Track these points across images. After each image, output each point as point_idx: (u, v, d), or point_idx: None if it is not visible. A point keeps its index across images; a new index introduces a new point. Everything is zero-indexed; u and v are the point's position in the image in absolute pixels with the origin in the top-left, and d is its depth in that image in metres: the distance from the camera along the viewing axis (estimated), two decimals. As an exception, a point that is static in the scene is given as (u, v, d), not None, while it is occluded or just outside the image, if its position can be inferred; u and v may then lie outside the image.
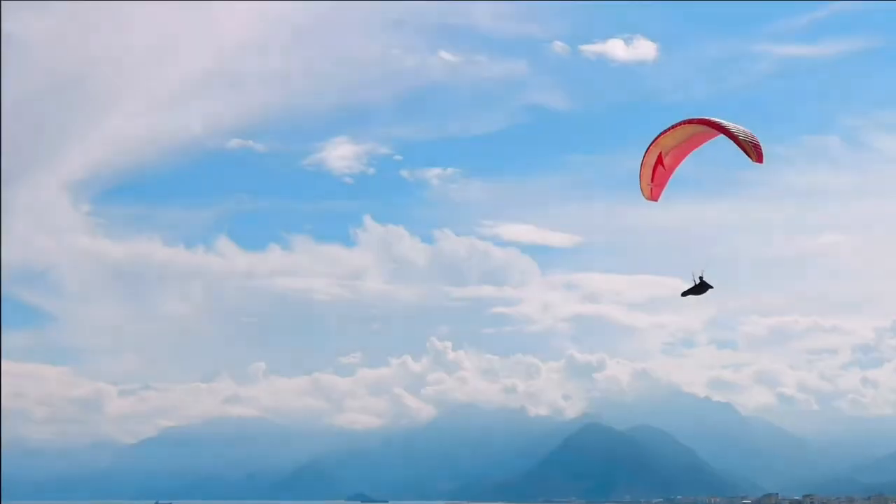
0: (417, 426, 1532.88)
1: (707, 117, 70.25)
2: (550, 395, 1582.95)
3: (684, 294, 76.98)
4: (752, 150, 67.88)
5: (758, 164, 68.33)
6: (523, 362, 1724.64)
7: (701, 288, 76.48)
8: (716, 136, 70.63)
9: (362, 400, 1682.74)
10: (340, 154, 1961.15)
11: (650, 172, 75.30)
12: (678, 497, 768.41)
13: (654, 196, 77.36)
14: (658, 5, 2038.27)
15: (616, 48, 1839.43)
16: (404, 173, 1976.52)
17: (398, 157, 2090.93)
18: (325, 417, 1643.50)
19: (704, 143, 73.68)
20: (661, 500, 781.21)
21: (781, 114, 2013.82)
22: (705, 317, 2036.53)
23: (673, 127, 71.71)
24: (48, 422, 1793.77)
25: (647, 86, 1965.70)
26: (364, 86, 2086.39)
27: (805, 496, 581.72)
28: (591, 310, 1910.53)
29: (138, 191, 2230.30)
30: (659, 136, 72.60)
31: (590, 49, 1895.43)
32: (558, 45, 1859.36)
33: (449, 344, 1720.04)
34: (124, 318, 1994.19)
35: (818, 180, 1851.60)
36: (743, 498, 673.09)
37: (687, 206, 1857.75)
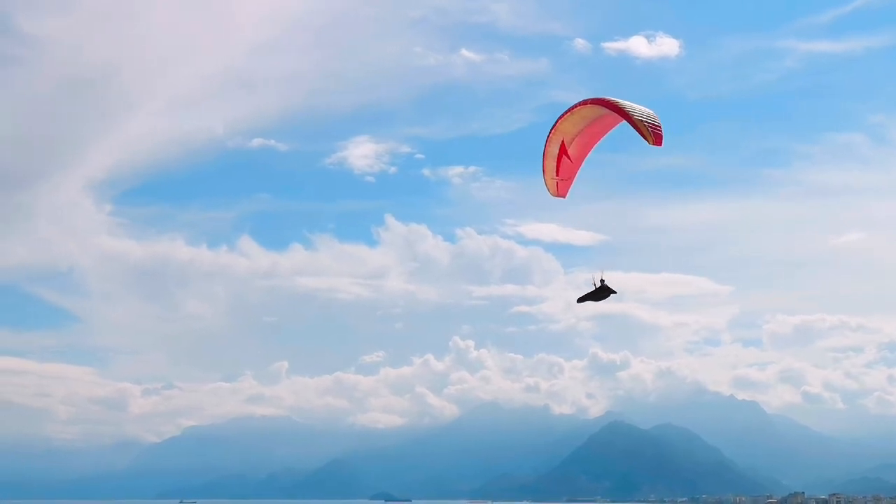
0: (440, 425, 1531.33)
1: (606, 97, 62.24)
2: (574, 394, 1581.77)
3: (581, 300, 67.60)
4: (649, 133, 59.68)
5: (656, 146, 59.87)
6: (546, 361, 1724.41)
7: (600, 293, 66.92)
8: (620, 120, 62.52)
9: (385, 399, 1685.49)
10: (362, 153, 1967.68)
11: (554, 164, 66.50)
12: (703, 496, 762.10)
13: (560, 192, 68.07)
14: (680, 2, 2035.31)
15: (639, 45, 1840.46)
16: (426, 172, 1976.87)
17: (420, 156, 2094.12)
18: (348, 416, 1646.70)
19: (612, 130, 65.07)
20: (685, 499, 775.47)
21: (806, 111, 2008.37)
22: (729, 315, 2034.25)
23: (570, 109, 63.67)
24: (73, 421, 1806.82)
25: (670, 83, 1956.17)
26: (385, 84, 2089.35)
27: (831, 495, 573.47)
28: (615, 308, 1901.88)
29: (160, 191, 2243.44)
30: (557, 120, 64.63)
31: (612, 46, 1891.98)
32: (580, 43, 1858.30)
33: (471, 343, 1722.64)
34: (147, 318, 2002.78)
35: (843, 178, 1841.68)
36: (768, 497, 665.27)
37: (711, 204, 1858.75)
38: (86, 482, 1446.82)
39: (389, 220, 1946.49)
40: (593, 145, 66.53)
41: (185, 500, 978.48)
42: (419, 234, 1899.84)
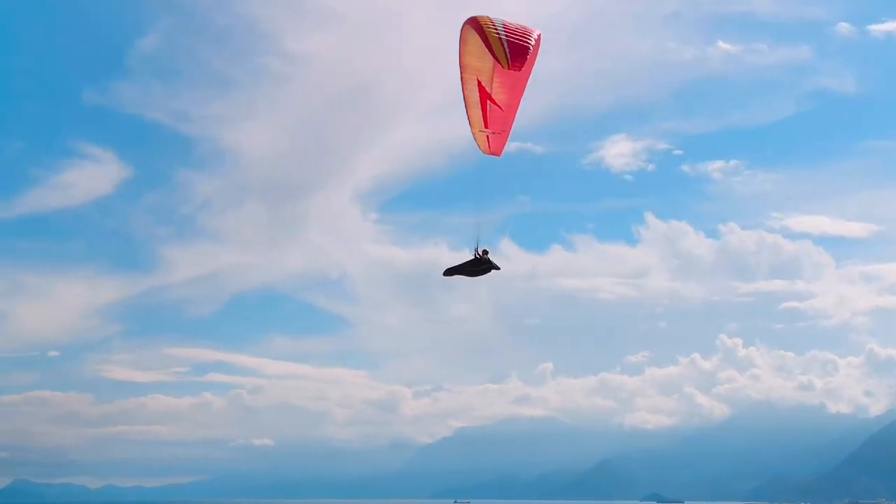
0: (711, 425, 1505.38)
1: (476, 15, 51.48)
2: (851, 392, 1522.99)
3: (448, 272, 57.44)
4: (503, 55, 49.40)
5: (513, 70, 49.77)
6: (819, 358, 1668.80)
7: (477, 266, 56.68)
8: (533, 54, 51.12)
9: (652, 399, 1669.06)
10: (619, 152, 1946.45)
11: (480, 114, 54.46)
12: None
13: (493, 149, 56.10)
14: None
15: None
16: (685, 168, 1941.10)
17: (678, 152, 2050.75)
18: (615, 417, 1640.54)
19: (534, 65, 52.88)
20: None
21: None
22: None
23: (462, 38, 52.73)
24: (349, 423, 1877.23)
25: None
26: (640, 81, 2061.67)
27: None
28: (893, 302, 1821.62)
29: (422, 197, 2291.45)
30: (460, 52, 53.11)
31: (879, 28, 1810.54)
32: (844, 27, 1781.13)
33: (739, 341, 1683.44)
34: (414, 322, 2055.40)
35: None
36: None
37: None
38: (363, 482, 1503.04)
39: (649, 217, 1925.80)
40: (523, 86, 54.29)
41: (459, 500, 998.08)
42: (680, 230, 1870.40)
